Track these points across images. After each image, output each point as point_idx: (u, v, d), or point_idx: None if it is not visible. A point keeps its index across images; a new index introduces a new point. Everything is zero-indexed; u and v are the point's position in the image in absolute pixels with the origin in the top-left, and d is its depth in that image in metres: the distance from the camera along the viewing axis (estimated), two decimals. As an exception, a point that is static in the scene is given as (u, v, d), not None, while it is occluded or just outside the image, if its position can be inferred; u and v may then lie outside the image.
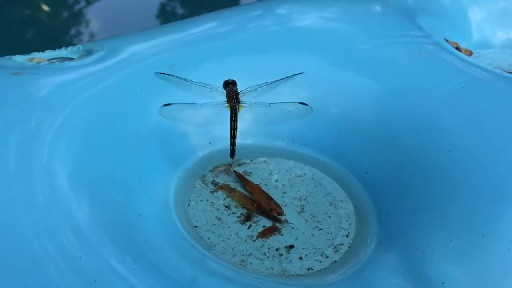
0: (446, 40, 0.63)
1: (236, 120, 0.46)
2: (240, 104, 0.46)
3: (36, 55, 0.49)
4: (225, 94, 0.46)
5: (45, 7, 1.47)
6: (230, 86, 0.46)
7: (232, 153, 0.47)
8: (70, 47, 0.51)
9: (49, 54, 0.50)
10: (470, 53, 0.69)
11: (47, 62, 0.49)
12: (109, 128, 0.45)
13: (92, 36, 1.49)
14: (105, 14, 1.62)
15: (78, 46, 0.51)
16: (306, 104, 0.44)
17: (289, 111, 0.53)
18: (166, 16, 1.67)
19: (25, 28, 1.44)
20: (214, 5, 1.61)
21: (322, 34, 0.59)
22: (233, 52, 0.54)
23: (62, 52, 0.51)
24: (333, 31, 0.60)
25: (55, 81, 0.45)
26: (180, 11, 1.74)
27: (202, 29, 0.57)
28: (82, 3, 1.63)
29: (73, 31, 1.52)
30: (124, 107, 0.46)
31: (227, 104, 0.46)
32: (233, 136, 0.46)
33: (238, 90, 0.46)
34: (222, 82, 0.46)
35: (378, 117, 0.50)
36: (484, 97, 0.49)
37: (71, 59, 0.50)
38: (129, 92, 0.47)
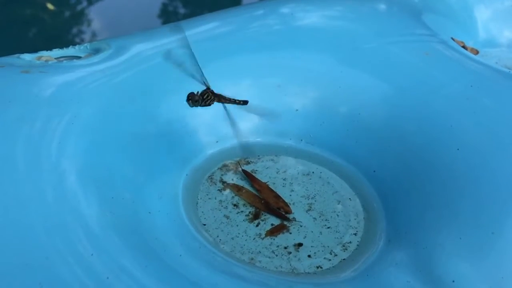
0: (453, 39, 0.62)
1: (229, 98, 0.46)
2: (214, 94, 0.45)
3: (44, 54, 0.49)
4: (204, 103, 0.44)
5: (50, 6, 1.47)
6: (194, 96, 0.43)
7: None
8: (77, 45, 0.51)
9: (56, 52, 0.50)
10: (476, 52, 0.68)
11: (55, 60, 0.49)
12: (118, 125, 0.45)
13: (93, 35, 1.49)
14: (106, 14, 1.62)
15: (85, 44, 0.51)
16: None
17: (297, 110, 0.53)
18: (167, 16, 1.66)
19: (26, 27, 1.44)
20: (215, 4, 1.61)
21: (328, 33, 0.59)
22: (240, 51, 0.54)
23: (70, 50, 0.51)
24: (339, 30, 0.60)
25: (63, 79, 0.45)
26: (181, 10, 1.74)
27: (209, 28, 0.57)
28: (84, 3, 1.63)
29: (74, 30, 1.52)
30: (132, 104, 0.46)
31: (215, 100, 0.45)
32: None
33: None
34: (186, 102, 0.44)
35: (386, 115, 0.50)
36: (493, 96, 0.49)
37: (79, 57, 0.50)
38: (137, 89, 0.47)
